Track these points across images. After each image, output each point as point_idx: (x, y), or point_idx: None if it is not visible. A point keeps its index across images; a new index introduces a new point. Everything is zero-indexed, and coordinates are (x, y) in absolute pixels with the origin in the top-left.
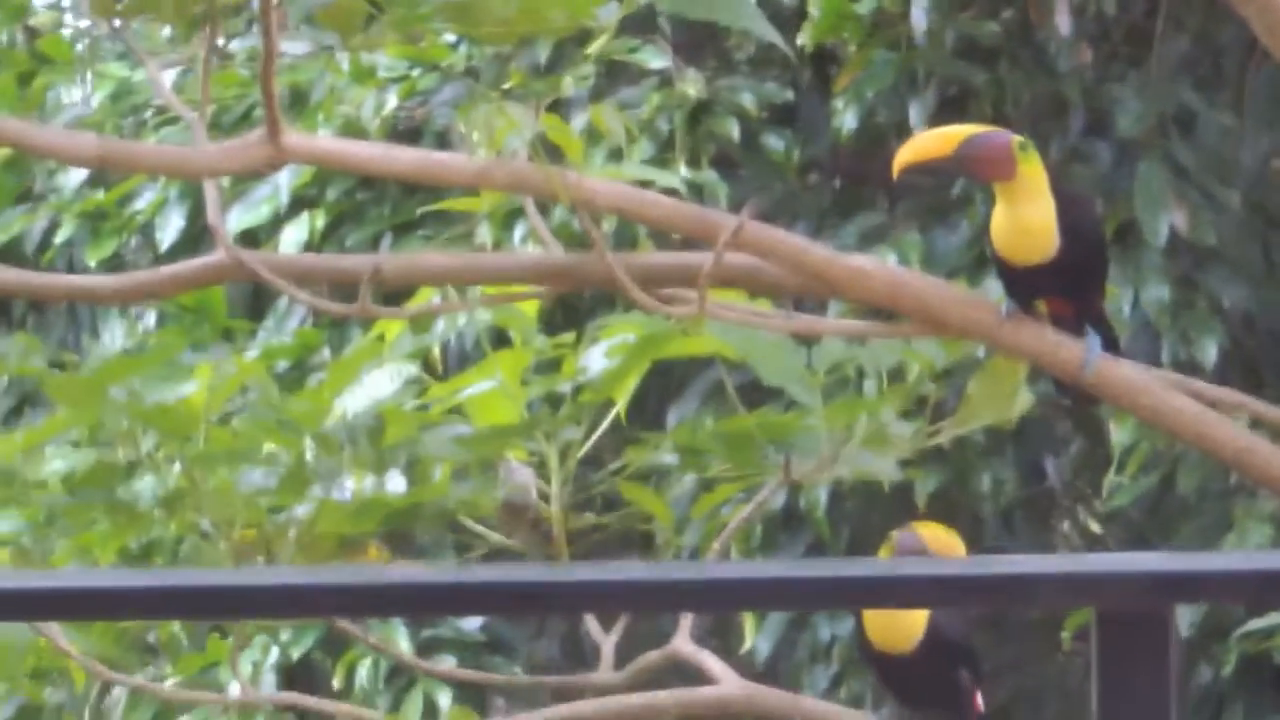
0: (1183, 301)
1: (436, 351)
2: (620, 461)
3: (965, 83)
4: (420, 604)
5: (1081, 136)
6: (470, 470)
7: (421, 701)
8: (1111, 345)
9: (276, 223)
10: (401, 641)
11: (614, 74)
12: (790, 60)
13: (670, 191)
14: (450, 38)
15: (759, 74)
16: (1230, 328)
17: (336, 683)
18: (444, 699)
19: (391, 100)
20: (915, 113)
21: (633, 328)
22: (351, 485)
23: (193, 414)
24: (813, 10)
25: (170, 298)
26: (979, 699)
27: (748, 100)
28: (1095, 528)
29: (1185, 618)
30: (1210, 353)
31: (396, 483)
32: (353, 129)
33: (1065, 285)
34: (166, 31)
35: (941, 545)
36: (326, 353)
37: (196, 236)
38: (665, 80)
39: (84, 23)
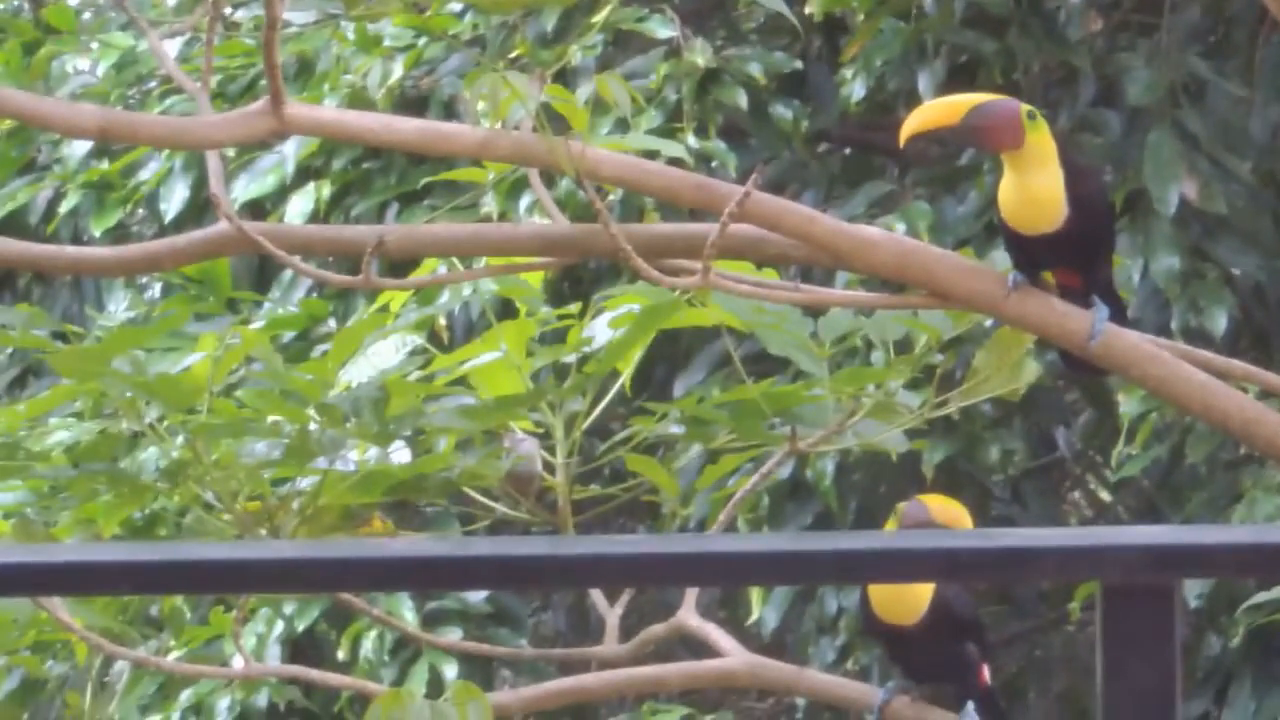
0: (1192, 271)
1: (442, 322)
2: (626, 432)
3: (974, 51)
4: (424, 579)
5: (1091, 105)
6: (475, 441)
7: (427, 674)
8: (1119, 316)
9: (282, 193)
10: (407, 614)
11: (621, 43)
12: (798, 29)
13: (676, 161)
14: (456, 6)
15: (767, 43)
16: (1240, 297)
17: (342, 655)
18: (449, 671)
19: (397, 70)
20: (924, 82)
21: (638, 298)
22: (356, 457)
23: (197, 385)
24: None
25: (174, 269)
26: (985, 671)
27: (756, 69)
28: (1106, 496)
29: (1193, 589)
30: (1220, 322)
31: (401, 454)
32: (359, 98)
33: (1073, 255)
34: (172, 1)
35: (948, 517)
36: (332, 324)
37: (201, 207)
38: (673, 50)
39: None
